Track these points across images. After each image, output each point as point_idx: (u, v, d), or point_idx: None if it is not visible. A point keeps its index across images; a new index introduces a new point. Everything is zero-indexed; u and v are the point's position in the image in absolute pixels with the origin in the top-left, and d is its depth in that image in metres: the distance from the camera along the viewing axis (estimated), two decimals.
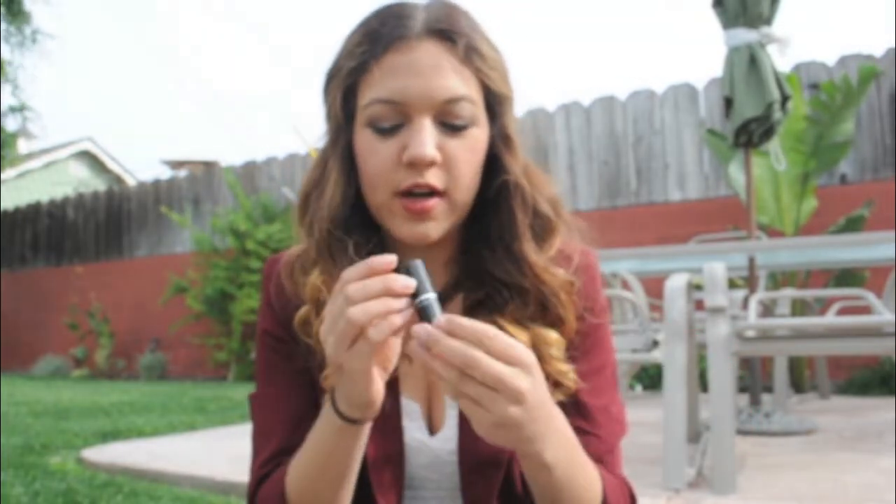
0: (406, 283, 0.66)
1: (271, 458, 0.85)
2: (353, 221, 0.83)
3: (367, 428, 0.77)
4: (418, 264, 0.67)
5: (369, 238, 0.84)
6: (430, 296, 0.66)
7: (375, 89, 0.78)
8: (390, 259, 0.66)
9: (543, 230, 0.84)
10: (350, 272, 0.67)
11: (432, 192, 0.78)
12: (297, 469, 0.80)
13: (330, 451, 0.76)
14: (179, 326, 9.12)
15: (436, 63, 0.78)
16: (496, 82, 0.82)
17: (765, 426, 3.60)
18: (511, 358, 0.64)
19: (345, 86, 0.81)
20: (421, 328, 0.65)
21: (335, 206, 0.82)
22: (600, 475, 0.80)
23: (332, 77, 0.83)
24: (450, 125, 0.79)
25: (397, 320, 0.65)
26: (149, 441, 4.08)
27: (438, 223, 0.80)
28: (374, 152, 0.79)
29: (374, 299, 0.65)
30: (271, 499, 0.82)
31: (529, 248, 0.82)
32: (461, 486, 0.85)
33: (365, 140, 0.80)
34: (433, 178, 0.78)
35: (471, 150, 0.80)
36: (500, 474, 0.84)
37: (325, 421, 0.76)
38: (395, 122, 0.78)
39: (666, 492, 2.47)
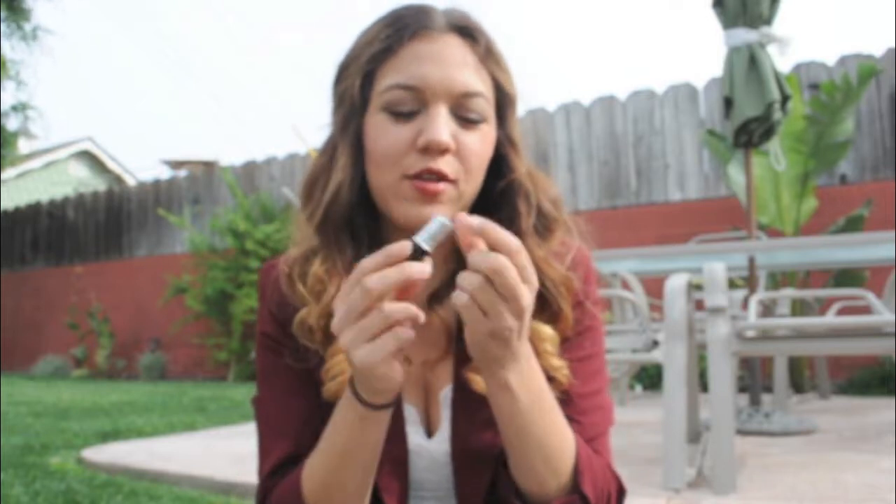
0: (422, 269, 0.65)
1: (279, 464, 0.84)
2: (357, 209, 0.84)
3: (389, 413, 0.75)
4: (435, 223, 0.67)
5: (371, 227, 0.85)
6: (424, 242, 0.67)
7: (395, 75, 0.79)
8: (405, 245, 0.66)
9: (545, 227, 0.85)
10: (367, 263, 0.66)
11: (442, 180, 0.79)
12: (317, 463, 0.79)
13: (354, 440, 0.75)
14: (179, 326, 9.12)
15: (458, 56, 0.80)
16: (508, 86, 0.84)
17: (765, 426, 3.60)
18: (526, 277, 0.66)
19: (365, 71, 0.81)
20: (473, 218, 0.66)
21: (343, 190, 0.82)
22: (577, 442, 0.79)
23: (348, 64, 0.84)
24: (464, 118, 0.80)
25: (417, 311, 0.66)
26: (149, 441, 4.07)
27: (444, 209, 0.80)
28: (387, 134, 0.79)
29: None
30: (287, 500, 0.80)
31: (532, 242, 0.82)
32: (455, 483, 0.85)
33: (378, 123, 0.80)
34: (445, 165, 0.78)
35: (481, 144, 0.81)
36: (489, 470, 0.83)
37: (347, 410, 0.75)
38: (412, 108, 0.79)
39: (666, 492, 2.47)
